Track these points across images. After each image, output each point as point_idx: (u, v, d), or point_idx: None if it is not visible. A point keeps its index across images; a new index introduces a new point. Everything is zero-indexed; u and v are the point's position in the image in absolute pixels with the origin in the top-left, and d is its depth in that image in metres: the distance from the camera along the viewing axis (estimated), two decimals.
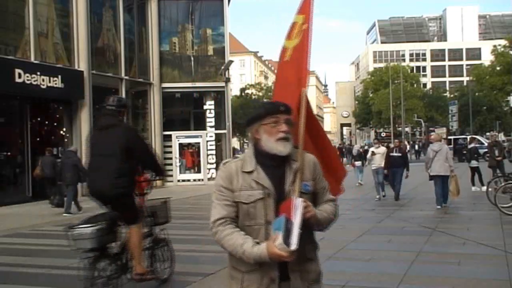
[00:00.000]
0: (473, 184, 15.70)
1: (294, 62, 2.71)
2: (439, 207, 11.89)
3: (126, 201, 5.08)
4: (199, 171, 22.34)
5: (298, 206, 2.17)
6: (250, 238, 2.22)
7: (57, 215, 12.30)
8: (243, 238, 2.21)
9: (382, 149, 14.71)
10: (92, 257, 4.72)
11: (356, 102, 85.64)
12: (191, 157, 22.58)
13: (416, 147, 48.31)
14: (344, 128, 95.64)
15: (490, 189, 12.20)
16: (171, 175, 21.94)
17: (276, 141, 2.29)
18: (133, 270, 5.14)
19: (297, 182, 2.30)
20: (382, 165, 14.13)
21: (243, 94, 62.66)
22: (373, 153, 14.73)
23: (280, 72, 2.98)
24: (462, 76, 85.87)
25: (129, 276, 5.16)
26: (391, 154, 14.00)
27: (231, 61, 21.55)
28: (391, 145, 15.90)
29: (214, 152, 22.36)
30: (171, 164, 21.98)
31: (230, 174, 2.32)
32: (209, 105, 22.81)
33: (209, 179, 22.05)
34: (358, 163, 19.81)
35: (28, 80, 15.29)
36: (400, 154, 13.98)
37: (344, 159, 36.48)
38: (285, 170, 2.33)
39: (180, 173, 22.24)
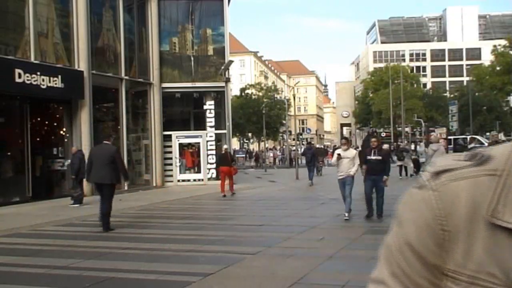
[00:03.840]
0: None
1: None
2: None
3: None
4: (199, 171, 22.34)
5: None
6: None
7: (60, 215, 12.33)
8: None
9: (352, 152, 11.42)
10: None
11: (356, 102, 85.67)
12: (191, 157, 22.58)
13: (418, 148, 47.49)
14: (344, 128, 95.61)
15: None
16: (171, 175, 21.97)
17: None
18: None
19: None
20: (352, 172, 10.89)
21: (243, 94, 62.64)
22: (339, 157, 11.02)
23: None
24: (462, 76, 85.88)
25: None
26: (368, 157, 10.82)
27: (231, 61, 21.54)
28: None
29: (214, 152, 22.35)
30: (171, 164, 22.00)
31: (447, 214, 0.76)
32: (209, 105, 22.80)
33: (209, 179, 22.06)
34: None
35: (28, 80, 15.28)
36: (380, 158, 10.75)
37: None
38: None
39: (180, 173, 22.24)
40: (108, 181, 9.86)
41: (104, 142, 10.44)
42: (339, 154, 11.09)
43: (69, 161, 15.59)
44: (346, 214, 10.60)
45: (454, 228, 0.75)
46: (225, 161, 17.26)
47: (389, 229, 0.85)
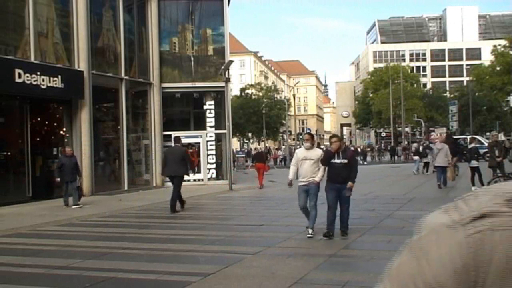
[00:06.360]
0: (473, 184, 15.69)
1: None
2: (441, 187, 16.53)
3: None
4: (199, 171, 22.32)
5: None
6: None
7: (60, 215, 12.32)
8: None
9: (317, 153, 8.89)
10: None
11: (356, 102, 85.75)
12: (191, 157, 22.55)
13: (421, 148, 46.26)
14: (344, 128, 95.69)
15: None
16: None
17: None
18: None
19: None
20: (317, 179, 8.73)
21: (243, 94, 62.65)
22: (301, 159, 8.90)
23: None
24: (462, 76, 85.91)
25: None
26: (332, 161, 8.54)
27: (231, 61, 21.50)
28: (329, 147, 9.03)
29: (214, 152, 22.36)
30: None
31: (478, 267, 0.68)
32: (209, 105, 22.78)
33: (209, 179, 22.06)
34: (416, 157, 27.13)
35: (28, 80, 15.28)
36: (345, 161, 8.49)
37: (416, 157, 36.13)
38: None
39: None
40: (180, 173, 12.81)
41: (176, 144, 13.38)
42: (304, 156, 8.80)
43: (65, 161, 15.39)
44: (310, 231, 8.58)
45: (484, 281, 0.67)
46: (260, 158, 20.77)
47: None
